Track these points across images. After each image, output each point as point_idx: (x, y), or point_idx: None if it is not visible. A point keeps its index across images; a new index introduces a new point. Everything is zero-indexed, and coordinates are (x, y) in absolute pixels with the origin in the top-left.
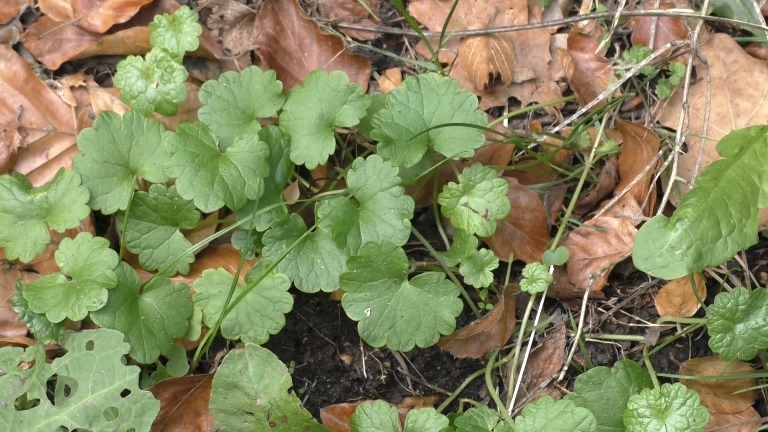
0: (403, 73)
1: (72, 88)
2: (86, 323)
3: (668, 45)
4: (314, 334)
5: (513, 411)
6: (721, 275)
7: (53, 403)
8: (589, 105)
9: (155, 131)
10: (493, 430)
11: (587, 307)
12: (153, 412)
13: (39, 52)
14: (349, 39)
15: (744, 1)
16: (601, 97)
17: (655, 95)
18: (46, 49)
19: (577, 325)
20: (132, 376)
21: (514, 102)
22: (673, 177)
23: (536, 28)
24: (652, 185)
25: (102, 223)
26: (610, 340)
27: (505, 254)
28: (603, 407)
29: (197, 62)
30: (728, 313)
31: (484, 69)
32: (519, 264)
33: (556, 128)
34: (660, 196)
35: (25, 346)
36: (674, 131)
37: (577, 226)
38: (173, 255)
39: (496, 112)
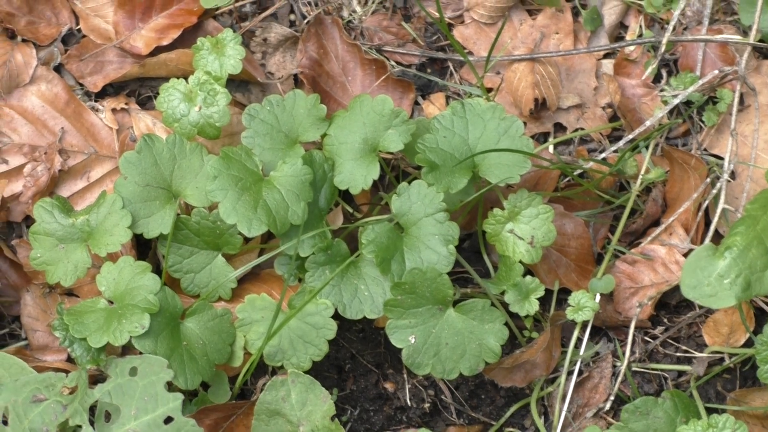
0: (447, 98)
1: (113, 110)
2: (127, 348)
3: (716, 71)
4: (357, 361)
5: None
6: None
7: (95, 429)
8: (636, 131)
9: (198, 155)
10: None
11: (634, 336)
12: None
13: (80, 74)
14: (393, 63)
15: None
16: (648, 123)
17: (703, 122)
18: (87, 71)
19: (623, 354)
20: (175, 403)
21: (559, 128)
22: (720, 205)
23: (582, 54)
24: (699, 213)
25: (143, 247)
26: (657, 369)
27: (550, 282)
28: None
29: (240, 85)
30: None
31: (529, 94)
32: (565, 292)
33: (603, 155)
34: (708, 224)
35: (65, 371)
36: (722, 159)
37: (624, 254)
38: (215, 280)
39: (541, 138)
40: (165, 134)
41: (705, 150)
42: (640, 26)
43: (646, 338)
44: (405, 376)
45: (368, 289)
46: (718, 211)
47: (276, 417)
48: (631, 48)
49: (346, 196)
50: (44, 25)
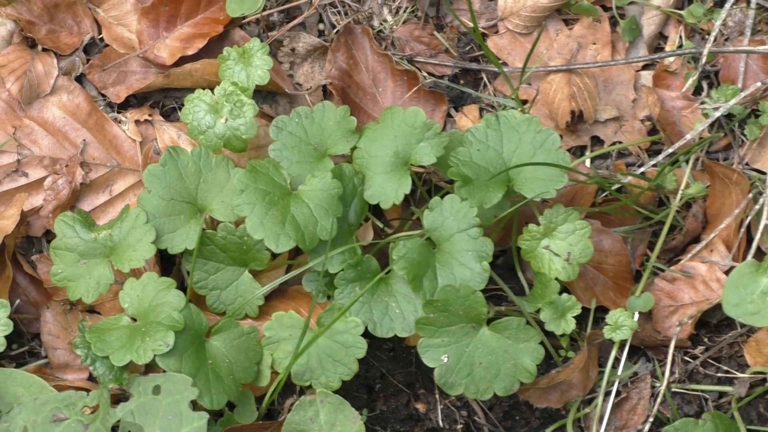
0: (481, 110)
1: (137, 122)
2: (150, 367)
3: (758, 83)
4: (388, 381)
5: None
6: None
7: None
8: (676, 145)
9: (224, 168)
10: None
11: (673, 355)
12: None
13: (103, 85)
14: (425, 74)
15: None
16: (688, 137)
17: (745, 136)
18: (110, 81)
19: (662, 374)
20: (200, 422)
21: (596, 141)
22: (763, 221)
23: (620, 65)
24: (741, 229)
25: (167, 263)
26: (697, 390)
27: (587, 300)
28: None
29: (267, 97)
30: None
31: (565, 106)
32: (602, 310)
33: (641, 169)
34: (750, 240)
35: (87, 390)
36: (764, 173)
37: (663, 271)
38: (242, 297)
39: (578, 151)
40: (190, 147)
41: (747, 164)
42: (680, 37)
43: (686, 358)
44: (437, 396)
45: (399, 306)
46: (761, 227)
47: None
48: (671, 59)
49: (376, 210)
50: (65, 34)
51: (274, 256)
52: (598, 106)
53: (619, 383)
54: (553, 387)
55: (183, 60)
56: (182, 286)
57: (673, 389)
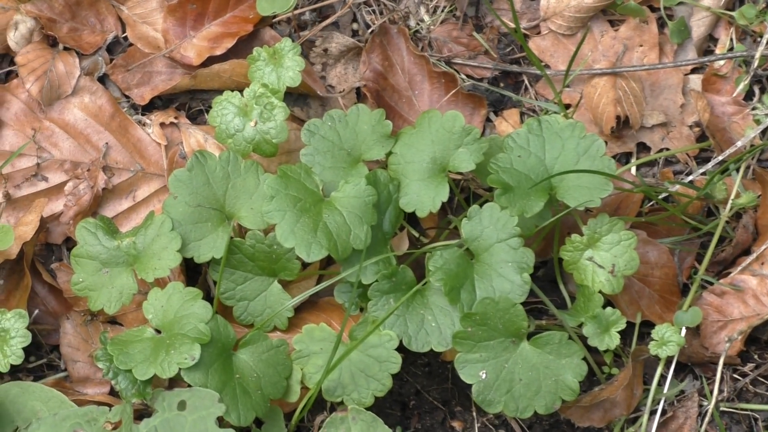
0: (522, 114)
1: (162, 125)
2: (174, 381)
3: None
4: (422, 398)
5: None
6: None
7: None
8: (726, 153)
9: (253, 173)
10: None
11: (722, 373)
12: None
13: (126, 86)
14: (463, 76)
15: None
16: (738, 144)
17: None
18: (134, 82)
19: (710, 392)
20: None
21: (643, 148)
22: None
23: (668, 68)
24: None
25: (193, 273)
26: (746, 410)
27: (632, 314)
28: None
29: (298, 99)
30: None
31: (611, 111)
32: (647, 325)
33: (689, 177)
34: None
35: (108, 405)
36: None
37: (712, 284)
38: (271, 308)
39: (623, 158)
40: (218, 151)
41: None
42: (731, 39)
43: (735, 376)
44: (474, 414)
45: (435, 319)
46: None
47: None
48: (721, 62)
49: (412, 219)
50: (88, 33)
51: (304, 265)
52: (645, 111)
53: (665, 402)
54: (595, 405)
55: (211, 60)
56: (208, 297)
57: (721, 408)
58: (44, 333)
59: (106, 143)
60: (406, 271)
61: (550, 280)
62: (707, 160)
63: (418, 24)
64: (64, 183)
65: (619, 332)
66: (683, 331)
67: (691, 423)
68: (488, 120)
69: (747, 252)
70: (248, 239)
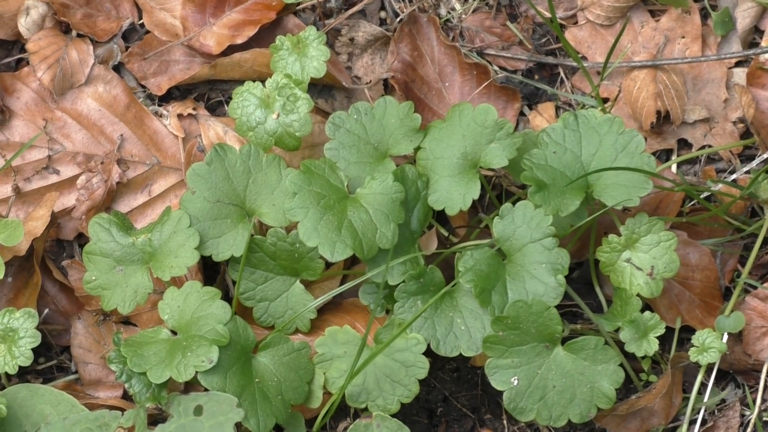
0: (557, 108)
1: (180, 116)
2: (191, 385)
3: None
4: (451, 405)
5: None
6: None
7: None
8: None
9: (275, 168)
10: None
11: (765, 381)
12: None
13: (143, 75)
14: (496, 68)
15: None
16: None
17: None
18: (150, 71)
19: (753, 402)
20: None
21: (684, 144)
22: None
23: (711, 61)
24: None
25: (211, 272)
26: None
27: (671, 319)
28: None
29: (323, 91)
30: None
31: (651, 106)
32: (687, 330)
33: (733, 176)
34: None
35: (121, 410)
36: None
37: (755, 288)
38: (292, 309)
39: (663, 155)
40: (238, 144)
41: None
42: None
43: None
44: (505, 422)
45: (465, 323)
46: None
47: None
48: (767, 56)
49: (441, 217)
50: (103, 19)
51: (328, 265)
52: (687, 106)
53: (706, 411)
54: (632, 414)
55: (231, 49)
56: (227, 297)
57: (764, 418)
58: (54, 333)
59: (121, 135)
60: (434, 272)
61: (585, 283)
62: (751, 157)
63: (449, 13)
64: (77, 176)
65: (657, 338)
66: (725, 337)
67: None
68: (522, 114)
69: None
70: (269, 237)
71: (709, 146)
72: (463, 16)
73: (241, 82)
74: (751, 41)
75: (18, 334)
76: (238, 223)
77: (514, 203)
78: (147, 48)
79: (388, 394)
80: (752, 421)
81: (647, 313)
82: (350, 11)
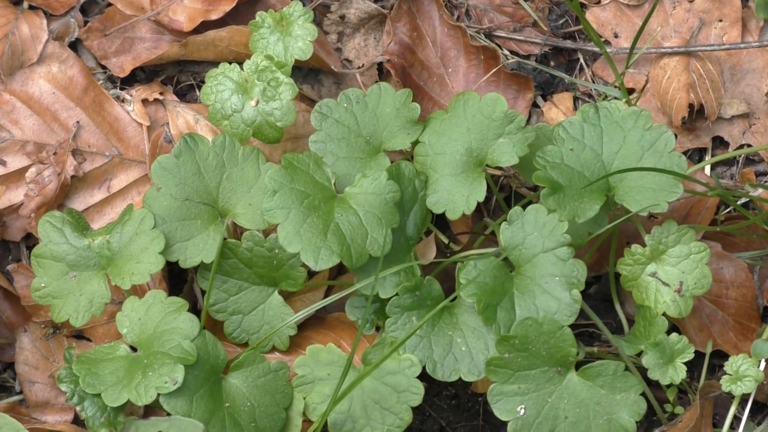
0: (576, 99)
1: (145, 101)
2: (152, 409)
3: None
4: None
5: None
6: None
7: None
8: None
9: (253, 162)
10: None
11: None
12: None
13: (103, 54)
14: (506, 52)
15: None
16: None
17: None
18: (112, 49)
19: None
20: None
21: (720, 143)
22: None
23: (752, 48)
24: None
25: (177, 280)
26: None
27: (701, 342)
28: None
29: (309, 75)
30: None
31: (682, 98)
32: (719, 355)
33: None
34: None
35: None
36: None
37: None
38: (269, 324)
39: (696, 155)
40: (211, 135)
41: None
42: None
43: None
44: None
45: (466, 342)
46: None
47: None
48: None
49: (440, 221)
50: None
51: (311, 274)
52: (723, 99)
53: None
54: None
55: (205, 26)
56: (195, 309)
57: None
58: None
59: (77, 122)
60: (432, 284)
61: (604, 299)
62: None
63: None
64: (26, 168)
65: (685, 363)
66: (762, 365)
67: None
68: (535, 105)
69: None
70: (245, 241)
71: (748, 145)
72: None
73: (215, 63)
74: None
75: None
76: (210, 224)
77: (524, 207)
78: (108, 23)
79: (377, 422)
80: None
81: (674, 336)
82: None
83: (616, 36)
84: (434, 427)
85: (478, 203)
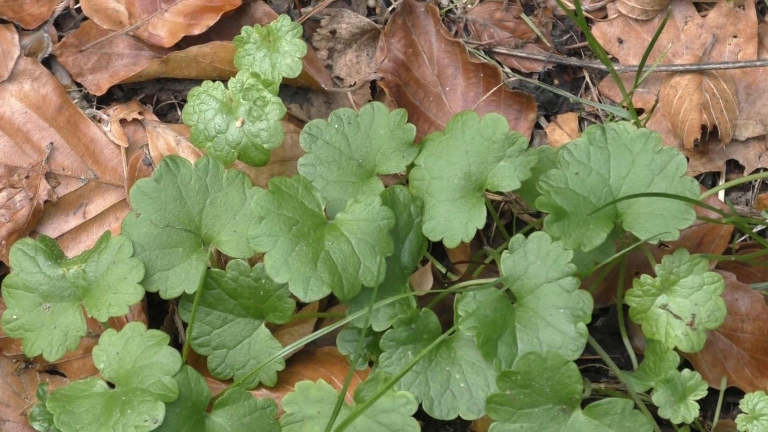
0: (581, 120)
1: (123, 121)
2: None
3: None
4: None
5: None
6: None
7: None
8: None
9: (238, 187)
10: None
11: None
12: None
13: (79, 71)
14: (507, 70)
15: None
16: None
17: None
18: (88, 66)
19: None
20: None
21: (734, 166)
22: None
23: None
24: None
25: (158, 311)
26: None
27: (715, 378)
28: None
29: (297, 94)
30: None
31: (695, 119)
32: (734, 393)
33: None
34: None
35: None
36: None
37: None
38: (255, 359)
39: (709, 179)
40: (193, 157)
41: None
42: None
43: None
44: None
45: (465, 379)
46: None
47: None
48: None
49: (438, 250)
50: (31, 2)
51: (300, 306)
52: (738, 120)
53: None
54: None
55: (187, 41)
56: (177, 343)
57: None
58: None
59: (51, 143)
60: (428, 317)
61: (611, 333)
62: None
63: (452, 2)
64: None
65: (698, 401)
66: None
67: None
68: (538, 126)
69: None
70: (229, 271)
71: (765, 169)
72: (469, 6)
73: (198, 81)
74: None
75: None
76: (192, 253)
77: (526, 234)
78: (84, 38)
79: None
80: None
81: (686, 372)
82: None
83: (623, 53)
84: None
85: (478, 230)
